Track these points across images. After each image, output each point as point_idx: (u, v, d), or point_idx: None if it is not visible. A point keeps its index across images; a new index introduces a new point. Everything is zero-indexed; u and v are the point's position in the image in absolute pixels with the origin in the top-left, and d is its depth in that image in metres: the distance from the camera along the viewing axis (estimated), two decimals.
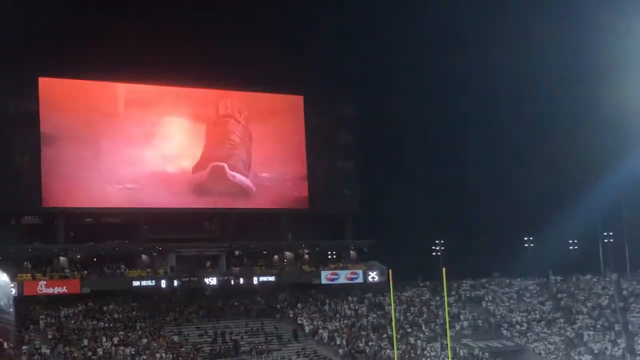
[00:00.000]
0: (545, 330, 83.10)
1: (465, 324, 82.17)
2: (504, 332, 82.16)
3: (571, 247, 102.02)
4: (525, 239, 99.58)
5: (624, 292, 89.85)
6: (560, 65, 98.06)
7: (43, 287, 71.70)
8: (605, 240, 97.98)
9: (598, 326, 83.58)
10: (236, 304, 79.74)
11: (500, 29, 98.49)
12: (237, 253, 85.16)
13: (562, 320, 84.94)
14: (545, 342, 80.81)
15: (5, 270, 14.37)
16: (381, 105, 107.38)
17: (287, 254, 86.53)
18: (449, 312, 72.58)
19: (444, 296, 68.18)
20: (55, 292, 72.32)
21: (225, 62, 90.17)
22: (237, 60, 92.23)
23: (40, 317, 70.35)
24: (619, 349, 79.84)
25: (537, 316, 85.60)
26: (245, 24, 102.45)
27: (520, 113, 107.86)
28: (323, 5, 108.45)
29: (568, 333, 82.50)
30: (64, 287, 72.61)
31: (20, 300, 70.96)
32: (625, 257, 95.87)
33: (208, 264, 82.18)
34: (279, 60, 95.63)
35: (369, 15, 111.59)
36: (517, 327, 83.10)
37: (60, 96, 78.10)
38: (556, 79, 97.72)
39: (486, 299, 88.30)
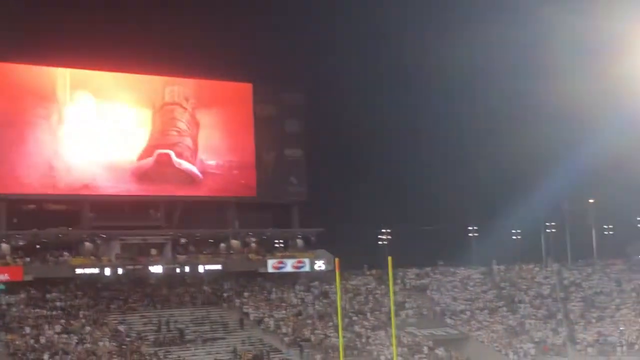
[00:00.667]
0: (488, 318, 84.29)
1: (410, 312, 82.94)
2: (448, 320, 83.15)
3: (514, 237, 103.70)
4: (470, 228, 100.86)
5: (565, 282, 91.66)
6: (508, 60, 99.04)
7: None
8: (548, 231, 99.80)
9: (540, 315, 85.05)
10: (182, 292, 79.22)
11: (450, 19, 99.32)
12: (182, 241, 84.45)
13: (504, 309, 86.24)
14: (488, 331, 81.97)
15: None
16: (329, 93, 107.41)
17: (234, 242, 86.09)
18: (394, 301, 73.01)
19: (389, 285, 68.52)
20: None
21: (173, 48, 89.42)
22: (185, 46, 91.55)
23: None
24: (560, 337, 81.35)
25: (481, 305, 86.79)
26: (194, 8, 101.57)
27: (468, 104, 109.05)
28: None
29: (510, 322, 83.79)
30: (6, 274, 71.30)
31: None
32: (566, 248, 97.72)
33: (153, 252, 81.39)
34: (228, 47, 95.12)
35: (319, 2, 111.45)
36: (461, 315, 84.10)
37: None
38: (502, 73, 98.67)
39: (430, 287, 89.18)
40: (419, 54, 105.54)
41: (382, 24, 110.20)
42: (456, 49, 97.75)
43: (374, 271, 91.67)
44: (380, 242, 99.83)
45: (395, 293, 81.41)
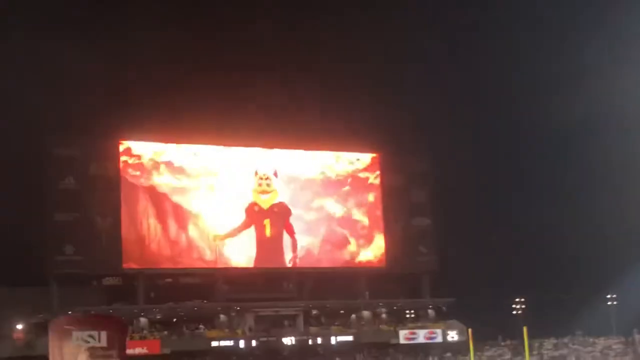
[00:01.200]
0: None
1: None
2: None
3: None
4: (608, 296, 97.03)
5: None
6: None
7: None
8: None
9: None
10: None
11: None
12: (314, 312, 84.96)
13: None
14: None
15: None
16: (455, 161, 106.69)
17: (365, 313, 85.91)
18: None
19: (525, 356, 66.56)
20: (137, 353, 72.71)
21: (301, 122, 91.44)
22: (314, 120, 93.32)
23: None
24: None
25: None
26: (319, 83, 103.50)
27: (607, 163, 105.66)
28: (395, 64, 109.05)
29: None
30: (145, 348, 73.17)
31: None
32: None
33: (286, 323, 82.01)
34: (354, 119, 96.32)
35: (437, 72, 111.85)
36: None
37: (139, 159, 79.95)
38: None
39: (569, 358, 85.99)
40: (544, 110, 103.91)
41: (506, 87, 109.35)
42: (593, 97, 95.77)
43: (508, 342, 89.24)
44: (514, 312, 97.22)
45: None
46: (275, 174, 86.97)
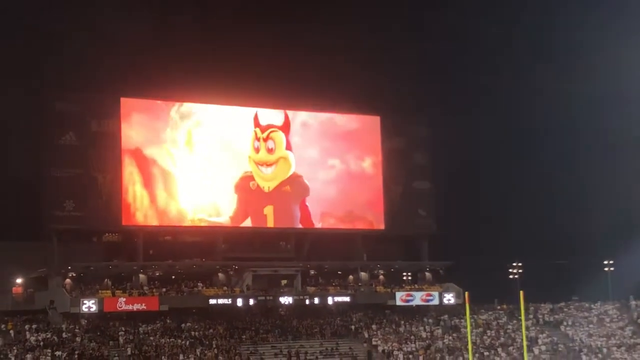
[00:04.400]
0: (625, 355, 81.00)
1: (544, 348, 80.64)
2: (584, 357, 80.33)
3: None
4: (606, 262, 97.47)
5: None
6: None
7: (123, 304, 72.99)
8: None
9: None
10: (311, 323, 79.85)
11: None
12: (312, 273, 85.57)
13: None
14: None
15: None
16: (457, 125, 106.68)
17: (362, 274, 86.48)
18: (526, 336, 71.36)
19: (521, 319, 67.11)
20: (135, 309, 73.55)
21: (300, 81, 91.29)
22: (313, 79, 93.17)
23: (120, 333, 71.54)
24: None
25: (617, 341, 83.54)
26: (320, 42, 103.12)
27: (603, 131, 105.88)
28: (401, 26, 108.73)
29: None
30: (143, 304, 73.81)
31: (101, 317, 72.71)
32: None
33: (283, 283, 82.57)
34: (357, 80, 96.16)
35: (444, 36, 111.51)
36: (597, 352, 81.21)
37: (140, 116, 79.80)
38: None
39: (565, 323, 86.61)
40: (548, 80, 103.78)
41: (511, 53, 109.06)
42: (590, 75, 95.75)
43: (505, 305, 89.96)
44: (511, 276, 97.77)
45: (527, 328, 79.69)
46: (286, 126, 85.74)
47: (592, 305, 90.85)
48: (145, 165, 79.17)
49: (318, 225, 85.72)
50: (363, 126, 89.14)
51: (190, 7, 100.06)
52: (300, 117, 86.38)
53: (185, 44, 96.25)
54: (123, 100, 79.26)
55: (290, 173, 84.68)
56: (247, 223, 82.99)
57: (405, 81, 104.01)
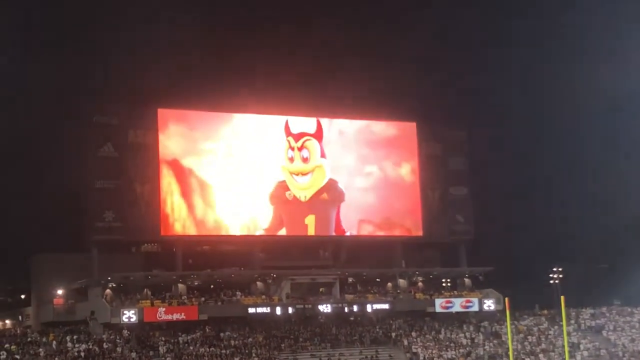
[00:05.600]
0: None
1: (586, 353, 79.70)
2: None
3: None
4: None
5: None
6: None
7: (162, 314, 73.33)
8: None
9: None
10: (350, 331, 79.68)
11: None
12: (350, 280, 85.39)
13: None
14: None
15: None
16: (494, 130, 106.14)
17: (401, 281, 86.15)
18: (568, 342, 70.59)
19: (562, 325, 66.40)
20: (174, 319, 73.87)
21: (339, 89, 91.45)
22: (350, 87, 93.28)
23: (160, 342, 71.89)
24: None
25: None
26: (357, 50, 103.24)
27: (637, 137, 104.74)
28: (436, 32, 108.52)
29: None
30: (182, 314, 74.09)
31: (141, 327, 73.16)
32: None
33: (322, 290, 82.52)
34: (392, 87, 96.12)
35: (480, 41, 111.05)
36: None
37: (176, 126, 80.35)
38: None
39: (607, 328, 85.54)
40: (586, 83, 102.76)
41: (545, 57, 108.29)
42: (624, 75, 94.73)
43: (545, 311, 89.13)
44: (551, 281, 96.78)
45: (569, 334, 78.78)
46: (319, 133, 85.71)
47: (635, 310, 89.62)
48: (182, 175, 79.67)
49: (356, 232, 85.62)
50: (399, 133, 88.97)
51: (223, 16, 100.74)
52: (337, 125, 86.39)
53: (219, 54, 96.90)
54: (160, 111, 79.86)
55: (326, 180, 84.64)
56: (283, 232, 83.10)
57: (441, 87, 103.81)
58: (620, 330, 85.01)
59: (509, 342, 59.05)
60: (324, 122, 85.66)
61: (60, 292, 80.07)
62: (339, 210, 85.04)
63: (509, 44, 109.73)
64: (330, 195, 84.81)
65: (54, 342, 69.15)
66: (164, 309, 73.57)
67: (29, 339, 69.83)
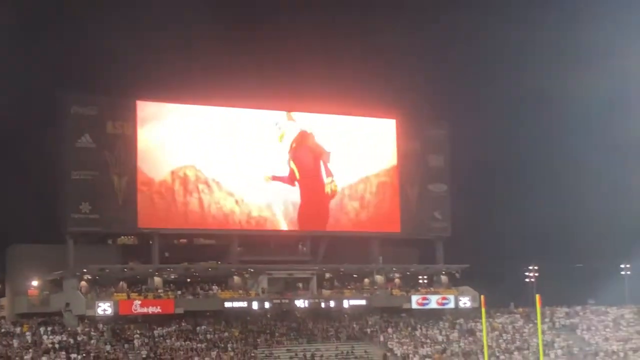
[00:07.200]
0: None
1: (560, 352, 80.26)
2: None
3: None
4: (622, 265, 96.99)
5: None
6: None
7: (138, 307, 72.98)
8: None
9: None
10: (326, 326, 79.73)
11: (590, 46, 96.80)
12: (327, 276, 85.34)
13: None
14: None
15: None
16: (473, 128, 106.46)
17: (378, 277, 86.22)
18: (542, 340, 70.99)
19: (537, 323, 66.77)
20: (150, 312, 73.56)
21: (318, 85, 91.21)
22: (330, 83, 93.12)
23: (135, 336, 71.58)
24: None
25: (634, 345, 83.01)
26: (339, 46, 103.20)
27: (618, 133, 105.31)
28: (415, 28, 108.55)
29: None
30: (158, 307, 73.78)
31: (116, 319, 72.81)
32: None
33: (299, 286, 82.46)
34: (372, 84, 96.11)
35: (459, 38, 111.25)
36: (613, 356, 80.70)
37: (155, 118, 79.93)
38: None
39: (581, 327, 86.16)
40: (564, 83, 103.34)
41: (524, 56, 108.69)
42: (599, 75, 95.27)
43: (521, 309, 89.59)
44: (527, 280, 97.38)
45: (543, 332, 79.27)
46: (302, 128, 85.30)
47: (609, 309, 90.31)
48: (161, 167, 79.24)
49: (334, 228, 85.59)
50: (379, 129, 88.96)
51: (202, 10, 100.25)
52: (316, 120, 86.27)
53: (199, 46, 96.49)
54: (139, 102, 79.40)
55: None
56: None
57: (421, 84, 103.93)
58: (594, 330, 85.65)
59: (484, 339, 59.18)
60: (305, 116, 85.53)
61: (35, 283, 79.49)
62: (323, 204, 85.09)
63: (494, 41, 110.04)
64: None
65: (28, 334, 68.67)
66: (139, 302, 73.21)
67: (3, 330, 69.38)
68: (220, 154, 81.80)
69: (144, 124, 79.02)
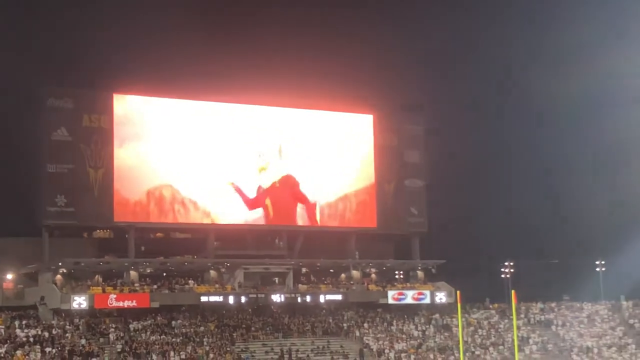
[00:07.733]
0: (616, 355, 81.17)
1: (535, 347, 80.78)
2: (575, 357, 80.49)
3: None
4: (597, 262, 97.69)
5: None
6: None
7: (113, 301, 72.70)
8: None
9: None
10: (303, 321, 79.78)
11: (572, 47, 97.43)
12: (304, 271, 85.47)
13: (633, 347, 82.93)
14: None
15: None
16: (450, 124, 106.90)
17: (354, 272, 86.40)
18: (517, 336, 71.44)
19: (512, 319, 67.18)
20: (125, 306, 73.29)
21: (294, 79, 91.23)
22: (307, 78, 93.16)
23: (110, 329, 71.28)
24: None
25: (608, 341, 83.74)
26: (316, 41, 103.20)
27: (594, 133, 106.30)
28: (395, 26, 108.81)
29: None
30: (134, 301, 73.52)
31: (91, 313, 72.47)
32: None
33: (275, 280, 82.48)
34: (349, 79, 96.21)
35: (438, 34, 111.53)
36: (588, 352, 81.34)
37: (132, 112, 79.53)
38: (630, 103, 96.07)
39: (556, 322, 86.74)
40: (542, 82, 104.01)
41: (505, 55, 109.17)
42: (579, 75, 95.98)
43: (496, 305, 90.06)
44: (503, 275, 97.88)
45: (518, 328, 79.74)
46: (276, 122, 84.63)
47: (583, 305, 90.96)
48: (138, 161, 78.88)
49: (310, 223, 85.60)
50: (356, 124, 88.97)
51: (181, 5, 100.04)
52: (293, 115, 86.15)
53: (178, 41, 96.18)
54: (115, 96, 78.94)
55: (282, 172, 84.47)
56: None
57: (398, 79, 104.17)
58: (569, 325, 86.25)
59: (460, 334, 59.61)
60: (282, 111, 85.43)
61: (9, 276, 78.90)
62: (297, 201, 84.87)
63: (471, 36, 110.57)
64: (286, 186, 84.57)
65: (2, 327, 68.19)
66: (115, 296, 72.92)
67: None
68: (193, 148, 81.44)
69: (120, 117, 78.56)
